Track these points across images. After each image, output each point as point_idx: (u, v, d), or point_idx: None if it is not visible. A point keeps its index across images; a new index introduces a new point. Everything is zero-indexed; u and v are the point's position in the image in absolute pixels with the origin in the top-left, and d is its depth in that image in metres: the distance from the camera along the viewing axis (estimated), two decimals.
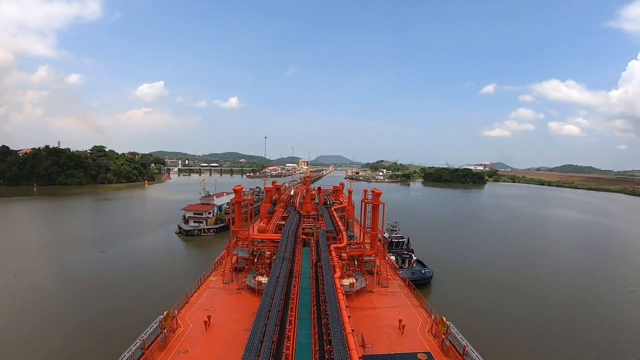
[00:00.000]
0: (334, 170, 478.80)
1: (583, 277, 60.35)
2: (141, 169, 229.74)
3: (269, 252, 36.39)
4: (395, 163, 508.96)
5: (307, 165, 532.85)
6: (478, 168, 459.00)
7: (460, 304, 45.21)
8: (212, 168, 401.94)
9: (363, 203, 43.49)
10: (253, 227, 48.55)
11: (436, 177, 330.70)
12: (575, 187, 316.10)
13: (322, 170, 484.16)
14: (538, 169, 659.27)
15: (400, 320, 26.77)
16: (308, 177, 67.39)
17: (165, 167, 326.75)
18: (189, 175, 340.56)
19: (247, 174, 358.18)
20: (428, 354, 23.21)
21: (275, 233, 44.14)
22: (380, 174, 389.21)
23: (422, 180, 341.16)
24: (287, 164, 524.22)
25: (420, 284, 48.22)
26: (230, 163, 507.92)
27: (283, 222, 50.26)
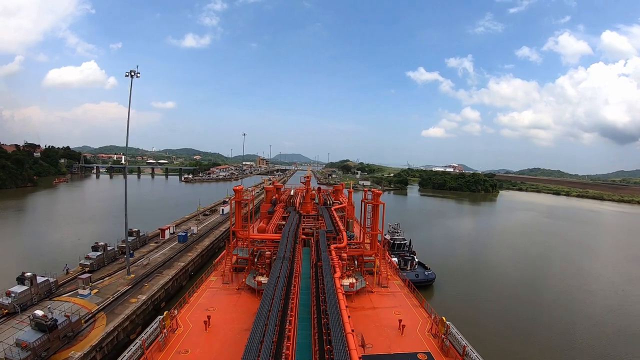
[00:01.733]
0: (296, 170, 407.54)
1: None
2: (13, 169, 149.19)
3: (269, 252, 36.35)
4: (362, 163, 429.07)
5: (266, 163, 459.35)
6: (448, 170, 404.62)
7: (463, 306, 45.04)
8: (150, 166, 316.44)
9: (363, 203, 43.47)
10: (253, 227, 48.54)
11: (439, 184, 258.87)
12: (602, 199, 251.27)
13: (287, 170, 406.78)
14: (507, 172, 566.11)
15: (400, 320, 26.77)
16: (308, 177, 67.27)
17: (78, 165, 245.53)
18: (110, 177, 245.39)
19: (184, 176, 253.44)
20: (428, 354, 23.22)
21: (275, 233, 44.13)
22: (357, 175, 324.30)
23: (418, 187, 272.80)
24: (245, 162, 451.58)
25: (423, 285, 48.41)
26: (183, 160, 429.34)
27: (283, 222, 50.23)
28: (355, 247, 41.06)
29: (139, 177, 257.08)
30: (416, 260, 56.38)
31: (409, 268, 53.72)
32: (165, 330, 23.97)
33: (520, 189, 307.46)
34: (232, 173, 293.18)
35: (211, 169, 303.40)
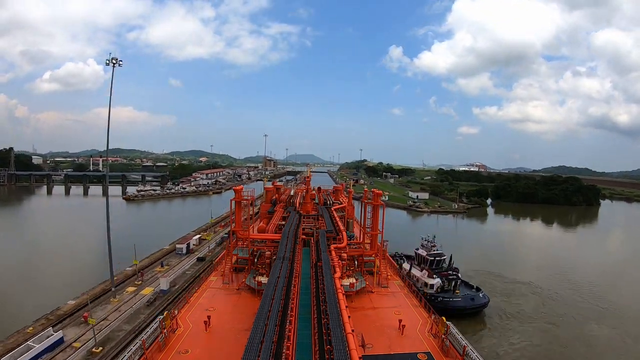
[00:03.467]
0: (311, 173, 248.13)
1: None
2: None
3: (269, 252, 36.37)
4: (381, 163, 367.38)
5: (273, 165, 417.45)
6: (472, 170, 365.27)
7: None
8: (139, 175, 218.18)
9: (363, 203, 43.46)
10: (253, 227, 48.54)
11: (524, 194, 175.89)
12: None
13: (299, 173, 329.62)
14: (534, 172, 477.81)
15: (400, 320, 26.78)
16: (308, 176, 67.24)
17: (6, 172, 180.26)
18: (49, 192, 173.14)
19: (132, 192, 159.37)
20: (428, 354, 23.22)
21: (275, 233, 44.13)
22: (391, 180, 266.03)
23: (490, 199, 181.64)
24: (249, 164, 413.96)
25: (473, 313, 43.03)
26: (186, 163, 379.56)
27: (283, 222, 50.20)
28: (355, 247, 41.07)
29: (85, 193, 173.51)
30: (460, 279, 48.14)
31: (456, 290, 45.97)
32: (165, 331, 23.96)
33: (603, 197, 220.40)
34: (217, 181, 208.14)
35: (194, 174, 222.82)
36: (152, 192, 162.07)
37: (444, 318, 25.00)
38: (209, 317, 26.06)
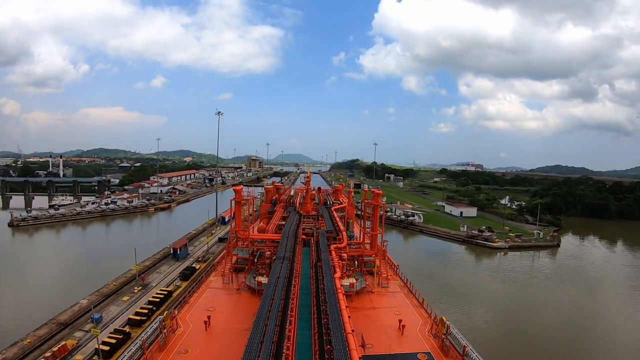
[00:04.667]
0: (300, 174, 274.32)
1: None
2: None
3: (269, 252, 36.40)
4: (375, 163, 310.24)
5: (259, 165, 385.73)
6: (469, 170, 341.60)
7: None
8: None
9: (363, 203, 43.45)
10: (253, 227, 48.53)
11: (593, 207, 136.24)
12: None
13: (288, 173, 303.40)
14: (533, 171, 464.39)
15: (400, 321, 26.77)
16: (308, 176, 67.17)
17: None
18: None
19: (20, 214, 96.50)
20: (428, 354, 23.21)
21: (275, 233, 44.12)
22: (400, 184, 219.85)
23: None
24: (230, 165, 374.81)
25: None
26: (170, 163, 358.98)
27: (283, 222, 50.20)
28: (355, 247, 41.06)
29: (5, 206, 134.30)
30: None
31: None
32: (165, 331, 23.96)
33: None
34: (174, 188, 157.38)
35: (151, 177, 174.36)
36: (54, 211, 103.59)
37: (444, 318, 24.99)
38: (209, 317, 26.05)
